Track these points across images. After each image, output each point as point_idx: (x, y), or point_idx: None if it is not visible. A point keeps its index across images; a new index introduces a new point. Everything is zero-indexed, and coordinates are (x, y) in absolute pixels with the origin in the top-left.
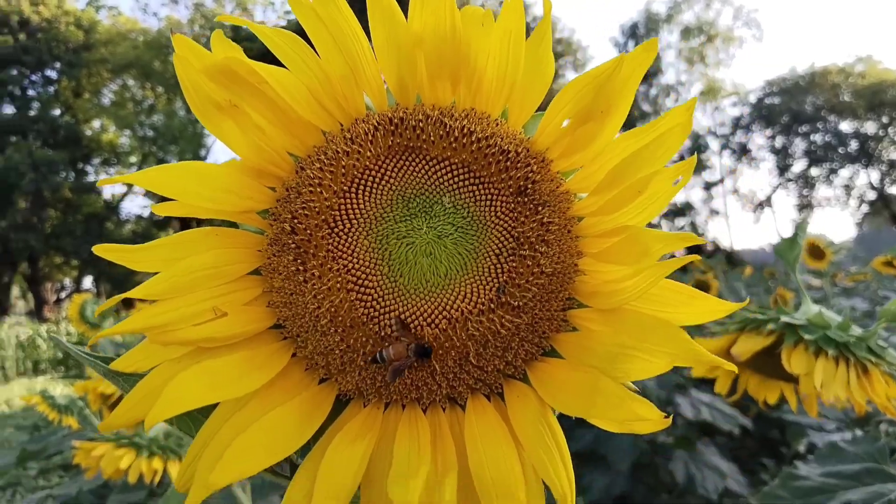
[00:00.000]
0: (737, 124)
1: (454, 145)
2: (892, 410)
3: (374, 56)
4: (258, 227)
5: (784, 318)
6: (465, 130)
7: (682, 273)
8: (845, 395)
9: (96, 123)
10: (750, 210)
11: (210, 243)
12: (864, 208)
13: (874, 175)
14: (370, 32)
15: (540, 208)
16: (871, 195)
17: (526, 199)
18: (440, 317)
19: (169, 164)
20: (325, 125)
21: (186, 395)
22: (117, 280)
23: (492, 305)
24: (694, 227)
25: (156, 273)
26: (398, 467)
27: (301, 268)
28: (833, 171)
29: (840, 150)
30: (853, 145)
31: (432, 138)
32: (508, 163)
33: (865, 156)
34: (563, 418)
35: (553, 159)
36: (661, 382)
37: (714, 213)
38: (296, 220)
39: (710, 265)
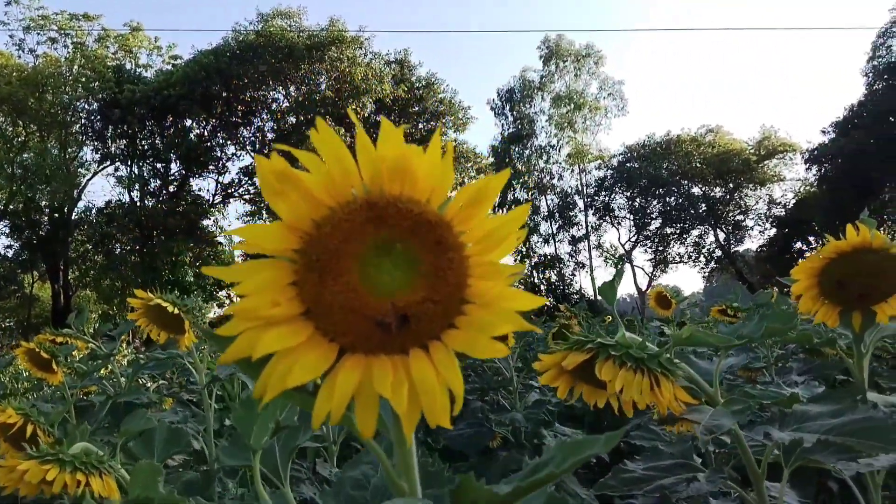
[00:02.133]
0: (601, 185)
1: (402, 217)
2: (676, 407)
3: (356, 165)
4: (290, 258)
5: (599, 339)
6: (408, 210)
7: (549, 319)
8: (639, 398)
9: None
10: (611, 264)
11: (270, 266)
12: (713, 264)
13: (721, 235)
14: (355, 152)
15: (448, 252)
16: (718, 253)
17: (440, 246)
18: (398, 307)
19: (251, 224)
20: (331, 203)
21: (269, 343)
22: None
23: (422, 300)
24: (562, 277)
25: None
26: (377, 379)
27: (322, 280)
28: (685, 231)
29: (691, 211)
30: (703, 207)
31: (391, 214)
32: (431, 227)
33: (714, 217)
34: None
35: (455, 225)
36: (529, 418)
37: (580, 265)
38: (320, 255)
39: (574, 312)
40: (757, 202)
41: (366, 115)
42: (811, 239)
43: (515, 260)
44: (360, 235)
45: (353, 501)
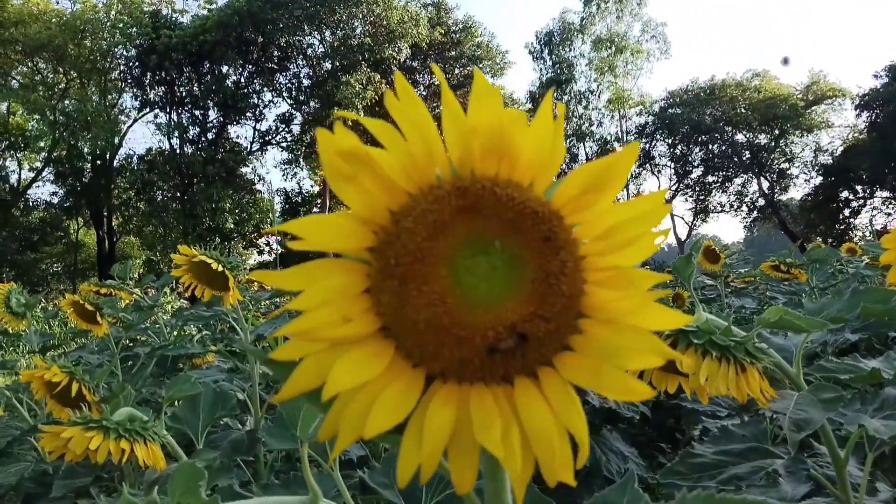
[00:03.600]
0: (641, 132)
1: (502, 207)
2: (763, 401)
3: (442, 141)
4: (363, 258)
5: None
6: (510, 196)
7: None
8: (726, 389)
9: (2, 106)
10: None
11: (338, 270)
12: (755, 214)
13: (765, 183)
14: (440, 123)
15: (560, 251)
16: (762, 202)
17: (550, 244)
18: (497, 324)
19: (304, 217)
20: (411, 189)
21: (343, 378)
22: (22, 266)
23: (530, 317)
24: None
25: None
26: (478, 421)
27: (403, 289)
28: (728, 179)
29: (735, 159)
30: (747, 155)
31: (487, 202)
32: (538, 219)
33: (758, 165)
34: None
35: (565, 216)
36: None
37: None
38: (399, 257)
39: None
40: (803, 150)
41: (402, 59)
42: (858, 188)
43: None
44: (450, 231)
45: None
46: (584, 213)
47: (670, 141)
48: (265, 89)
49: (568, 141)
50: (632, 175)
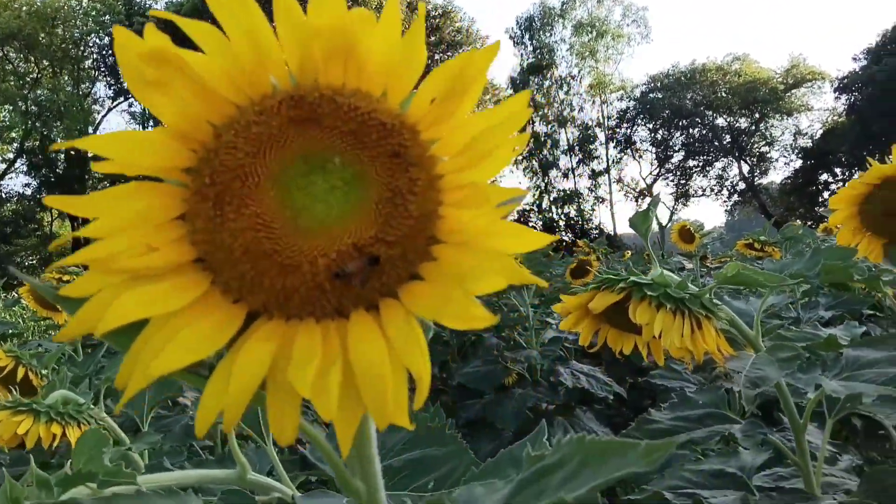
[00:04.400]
0: (622, 117)
1: (343, 117)
2: (720, 358)
3: (279, 45)
4: (181, 181)
5: (633, 278)
6: (352, 106)
7: (568, 256)
8: (680, 342)
9: None
10: (632, 198)
11: (142, 193)
12: (735, 198)
13: (745, 167)
14: (276, 26)
15: (410, 167)
16: (742, 186)
17: (399, 160)
18: (332, 249)
19: (109, 132)
20: (238, 100)
21: (128, 310)
22: None
23: (370, 241)
24: (581, 212)
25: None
26: (296, 360)
27: (219, 212)
28: (708, 163)
29: (715, 143)
30: (727, 139)
31: (325, 111)
32: (385, 132)
33: (738, 149)
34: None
35: (421, 130)
36: (545, 355)
37: (600, 200)
38: (215, 175)
39: (593, 247)
40: (783, 133)
41: None
42: (837, 171)
43: (533, 196)
44: (281, 145)
45: None
46: (443, 126)
47: (651, 126)
48: None
49: (549, 126)
50: (613, 160)
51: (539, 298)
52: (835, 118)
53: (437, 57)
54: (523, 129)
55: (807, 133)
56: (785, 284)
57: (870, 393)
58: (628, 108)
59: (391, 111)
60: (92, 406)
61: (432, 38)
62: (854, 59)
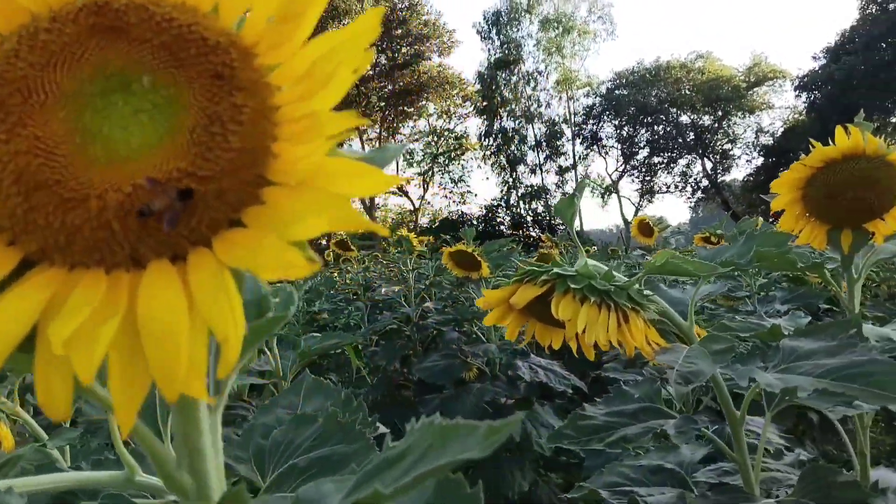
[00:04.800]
0: (589, 114)
1: (155, 28)
2: (649, 352)
3: None
4: None
5: (556, 270)
6: (168, 17)
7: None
8: (605, 338)
9: None
10: (599, 194)
11: None
12: (699, 194)
13: (708, 164)
14: None
15: (235, 92)
16: (705, 182)
17: (222, 83)
18: (127, 184)
19: None
20: (34, 7)
21: None
22: None
23: (178, 175)
24: (548, 208)
25: None
26: (65, 310)
27: None
28: (672, 160)
29: (679, 140)
30: (691, 136)
31: (134, 21)
32: (208, 49)
33: (701, 146)
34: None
35: (258, 54)
36: (503, 349)
37: (566, 196)
38: None
39: (556, 241)
40: (745, 130)
41: None
42: None
43: (502, 192)
44: (75, 58)
45: (263, 453)
46: (281, 50)
47: (617, 122)
48: None
49: (517, 122)
50: (580, 156)
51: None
52: (796, 116)
53: (403, 50)
54: (372, 47)
55: (768, 131)
56: (715, 273)
57: (805, 387)
58: (594, 104)
59: (218, 28)
60: (4, 400)
61: (399, 31)
62: (814, 57)
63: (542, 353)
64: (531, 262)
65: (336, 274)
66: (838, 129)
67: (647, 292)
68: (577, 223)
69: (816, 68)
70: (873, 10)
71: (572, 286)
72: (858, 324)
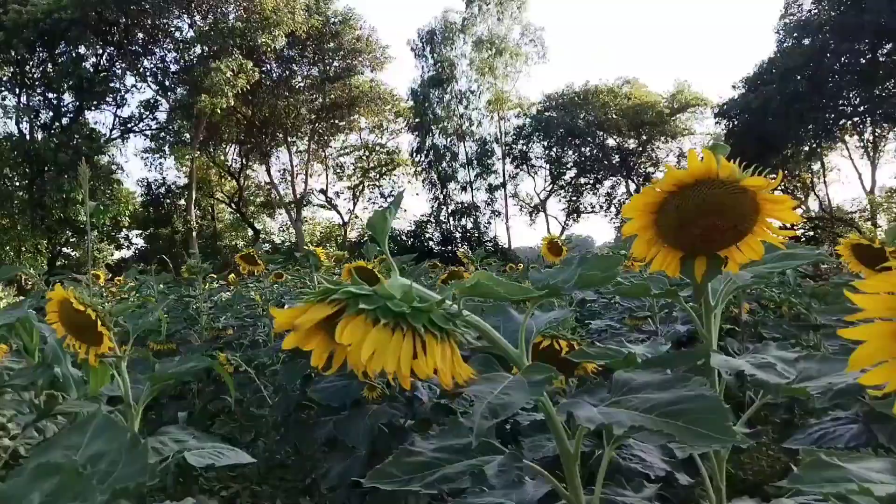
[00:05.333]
0: (519, 134)
1: None
2: (448, 383)
3: None
4: None
5: (350, 288)
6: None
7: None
8: (393, 366)
9: None
10: (527, 212)
11: None
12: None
13: (632, 186)
14: None
15: None
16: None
17: None
18: None
19: None
20: None
21: None
22: None
23: None
24: (477, 225)
25: None
26: None
27: None
28: (598, 181)
29: (605, 162)
30: (616, 158)
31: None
32: None
33: (626, 169)
34: None
35: None
36: None
37: (496, 213)
38: None
39: (472, 258)
40: (668, 155)
41: (278, 48)
42: None
43: (432, 208)
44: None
45: None
46: None
47: (546, 143)
48: (128, 73)
49: (449, 139)
50: (509, 175)
51: None
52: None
53: (335, 63)
54: None
55: None
56: (528, 296)
57: (624, 422)
58: (524, 125)
59: None
60: None
61: (331, 44)
62: (734, 86)
63: None
64: (331, 282)
65: (244, 291)
66: (690, 153)
67: (467, 314)
68: (505, 240)
69: (735, 97)
70: (790, 44)
71: (364, 307)
72: (707, 353)
